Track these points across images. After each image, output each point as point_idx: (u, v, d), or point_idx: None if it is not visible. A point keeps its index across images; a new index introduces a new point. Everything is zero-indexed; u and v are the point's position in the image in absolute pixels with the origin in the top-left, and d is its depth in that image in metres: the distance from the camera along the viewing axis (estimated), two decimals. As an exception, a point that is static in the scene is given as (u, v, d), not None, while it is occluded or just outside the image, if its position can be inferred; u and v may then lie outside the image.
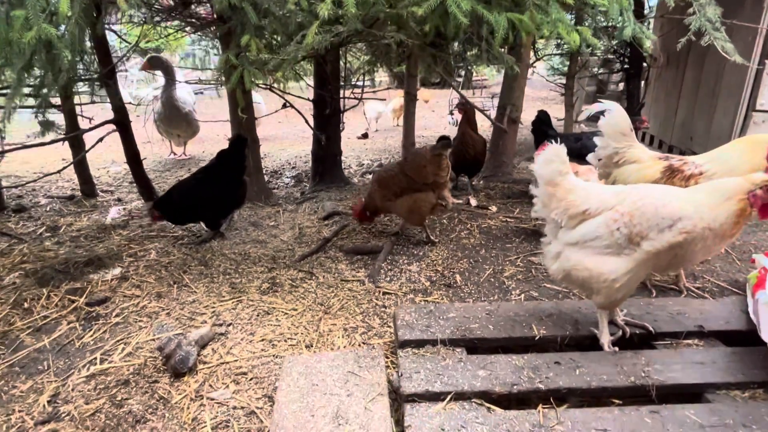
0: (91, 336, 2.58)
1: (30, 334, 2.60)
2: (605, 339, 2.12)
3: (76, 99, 4.76)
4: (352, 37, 2.96)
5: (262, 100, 7.85)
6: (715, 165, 2.62)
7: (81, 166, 4.88)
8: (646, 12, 6.54)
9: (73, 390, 2.19)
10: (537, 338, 2.18)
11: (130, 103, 4.92)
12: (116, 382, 2.22)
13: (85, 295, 2.93)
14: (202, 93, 14.82)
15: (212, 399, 2.09)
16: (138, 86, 13.12)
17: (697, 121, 5.24)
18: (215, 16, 3.78)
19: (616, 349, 2.09)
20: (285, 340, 2.49)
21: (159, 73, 6.11)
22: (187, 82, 6.29)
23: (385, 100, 8.25)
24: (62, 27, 1.93)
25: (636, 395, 1.88)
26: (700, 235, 1.88)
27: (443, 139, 3.37)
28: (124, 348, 2.46)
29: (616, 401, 1.88)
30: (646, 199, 1.97)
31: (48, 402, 2.11)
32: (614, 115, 2.94)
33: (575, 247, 2.07)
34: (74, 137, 4.60)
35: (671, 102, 5.95)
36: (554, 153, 2.11)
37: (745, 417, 1.70)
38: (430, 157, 3.35)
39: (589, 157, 3.11)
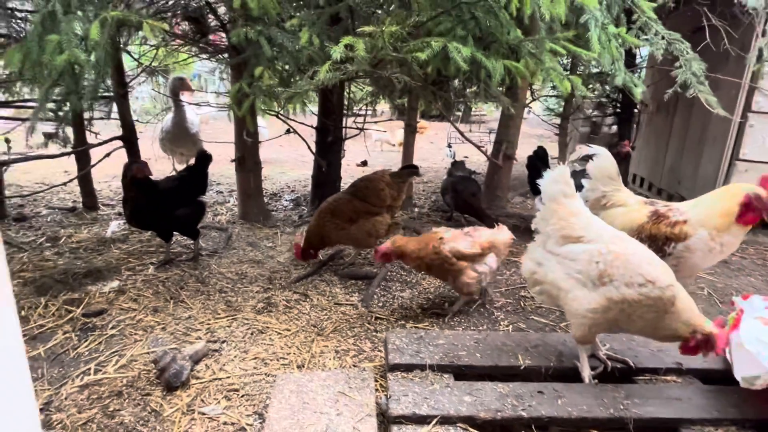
0: (87, 346, 2.62)
1: (26, 342, 2.62)
2: (586, 372, 2.20)
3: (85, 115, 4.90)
4: (358, 75, 3.13)
5: (265, 124, 8.05)
6: (693, 212, 2.73)
7: (84, 179, 4.97)
8: (638, 61, 6.85)
9: (66, 399, 2.22)
10: (522, 368, 2.26)
11: (138, 120, 5.07)
12: (109, 393, 2.26)
13: (82, 306, 2.99)
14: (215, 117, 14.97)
15: (203, 414, 2.14)
16: (143, 104, 13.34)
17: (685, 167, 5.44)
18: (228, 44, 3.96)
19: (597, 381, 2.17)
20: (277, 359, 2.54)
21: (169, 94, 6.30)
22: (197, 105, 6.46)
23: (386, 131, 8.47)
24: (90, 52, 2.07)
25: (614, 427, 1.95)
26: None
27: (410, 167, 3.54)
28: (119, 360, 2.50)
29: (596, 432, 1.95)
30: (639, 254, 2.07)
31: (40, 410, 2.14)
32: (602, 159, 3.08)
33: (554, 259, 2.20)
34: (81, 151, 4.71)
35: (661, 146, 6.18)
36: (560, 173, 2.23)
37: (718, 452, 1.78)
38: (389, 180, 3.45)
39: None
